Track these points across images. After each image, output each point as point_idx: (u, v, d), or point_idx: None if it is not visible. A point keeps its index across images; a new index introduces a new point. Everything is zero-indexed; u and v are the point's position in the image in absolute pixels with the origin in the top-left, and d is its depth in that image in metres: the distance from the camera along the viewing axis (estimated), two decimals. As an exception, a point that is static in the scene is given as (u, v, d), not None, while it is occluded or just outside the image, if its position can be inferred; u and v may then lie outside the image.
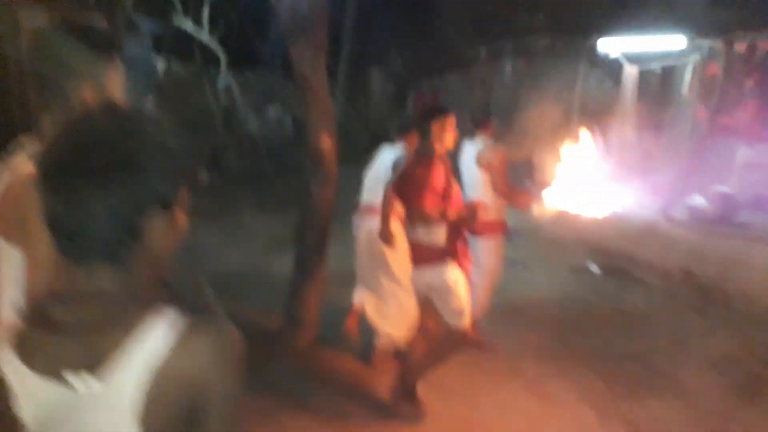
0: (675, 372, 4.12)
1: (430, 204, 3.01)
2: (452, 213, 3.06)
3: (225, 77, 11.35)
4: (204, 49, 11.60)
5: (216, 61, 11.94)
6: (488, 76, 10.42)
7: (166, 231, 0.90)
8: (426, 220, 3.01)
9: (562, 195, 3.68)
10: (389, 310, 3.62)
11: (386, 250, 3.47)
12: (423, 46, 12.93)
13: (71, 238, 0.84)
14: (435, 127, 3.07)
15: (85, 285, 0.86)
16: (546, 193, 3.70)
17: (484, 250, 4.04)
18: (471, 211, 3.14)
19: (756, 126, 6.74)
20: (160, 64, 11.40)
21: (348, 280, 4.02)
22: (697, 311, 5.23)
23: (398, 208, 3.23)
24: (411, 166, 3.10)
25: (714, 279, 5.52)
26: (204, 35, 11.51)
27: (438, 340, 3.35)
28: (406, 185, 3.08)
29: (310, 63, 3.45)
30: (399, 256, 3.43)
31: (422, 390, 3.52)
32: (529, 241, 6.90)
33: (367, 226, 3.58)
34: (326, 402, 3.52)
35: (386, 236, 3.33)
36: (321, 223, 3.77)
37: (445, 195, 3.09)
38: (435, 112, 3.18)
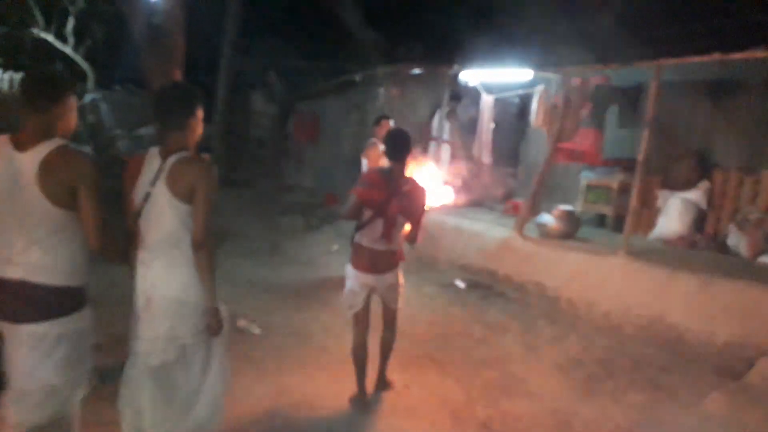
0: (527, 375, 4.42)
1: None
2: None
3: (92, 94, 10.75)
4: (69, 63, 10.96)
5: (81, 77, 11.30)
6: (363, 101, 10.73)
7: None
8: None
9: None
10: None
11: None
12: (302, 69, 13.10)
13: None
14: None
15: None
16: None
17: None
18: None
19: (592, 150, 7.51)
20: (17, 76, 10.59)
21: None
22: (548, 319, 5.69)
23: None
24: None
25: (561, 290, 6.03)
26: (68, 49, 10.88)
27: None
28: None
29: (162, 77, 3.41)
30: None
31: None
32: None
33: None
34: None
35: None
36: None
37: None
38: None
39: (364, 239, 3.53)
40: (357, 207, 3.46)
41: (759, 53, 5.02)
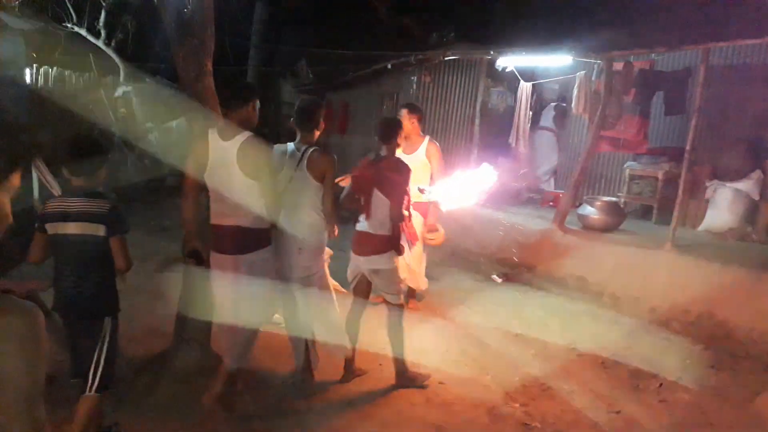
0: (567, 374, 4.27)
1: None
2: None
3: (124, 87, 10.84)
4: (101, 57, 11.07)
5: (114, 70, 11.40)
6: (395, 89, 10.57)
7: None
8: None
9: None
10: None
11: None
12: (332, 58, 12.97)
13: None
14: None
15: None
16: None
17: None
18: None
19: (636, 139, 7.24)
20: (52, 71, 10.75)
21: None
22: (590, 315, 5.49)
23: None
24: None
25: (604, 284, 5.81)
26: (100, 42, 10.98)
27: None
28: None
29: (193, 69, 3.33)
30: None
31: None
32: (435, 253, 7.01)
33: None
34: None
35: None
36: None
37: None
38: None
39: (358, 222, 3.73)
40: (350, 192, 3.71)
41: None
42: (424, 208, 4.87)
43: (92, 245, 2.66)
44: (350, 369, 3.88)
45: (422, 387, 3.87)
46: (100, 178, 2.76)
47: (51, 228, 2.65)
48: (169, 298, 3.97)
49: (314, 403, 3.59)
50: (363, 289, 3.91)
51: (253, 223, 3.15)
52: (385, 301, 3.85)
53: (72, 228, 2.64)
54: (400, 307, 3.83)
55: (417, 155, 4.96)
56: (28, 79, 9.89)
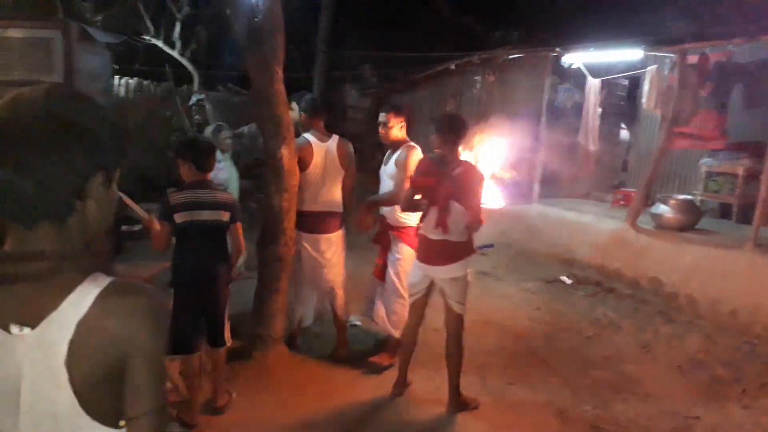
0: (641, 377, 4.16)
1: None
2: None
3: (197, 95, 11.31)
4: (176, 67, 11.60)
5: (188, 79, 11.93)
6: (459, 89, 10.52)
7: (104, 199, 0.99)
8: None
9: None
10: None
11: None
12: (395, 61, 13.04)
13: (16, 200, 0.90)
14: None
15: (28, 245, 0.93)
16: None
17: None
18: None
19: (714, 134, 6.88)
20: (132, 82, 11.36)
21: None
22: (665, 317, 5.30)
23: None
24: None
25: (679, 285, 5.58)
26: (175, 53, 11.53)
27: None
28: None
29: (265, 75, 3.46)
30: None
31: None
32: (500, 254, 6.94)
33: None
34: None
35: None
36: (281, 233, 3.74)
37: None
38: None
39: (423, 227, 3.52)
40: (411, 196, 3.48)
41: None
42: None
43: (219, 229, 3.23)
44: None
45: (475, 408, 3.61)
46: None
47: (182, 216, 3.11)
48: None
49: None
50: (423, 303, 3.64)
51: (332, 207, 4.04)
52: (450, 311, 3.51)
53: (205, 215, 3.16)
54: (462, 318, 3.52)
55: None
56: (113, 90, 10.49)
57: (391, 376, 3.84)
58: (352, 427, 3.38)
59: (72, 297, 0.91)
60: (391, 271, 4.06)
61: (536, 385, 3.97)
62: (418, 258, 3.56)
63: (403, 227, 3.99)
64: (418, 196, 3.47)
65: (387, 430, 3.39)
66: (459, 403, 3.57)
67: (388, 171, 4.07)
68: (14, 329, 0.90)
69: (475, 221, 3.28)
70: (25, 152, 0.88)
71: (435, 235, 3.40)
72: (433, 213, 3.37)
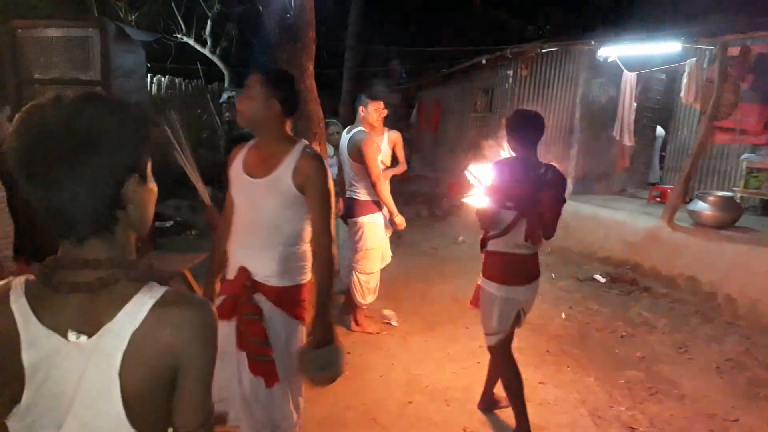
0: (677, 378, 4.07)
1: None
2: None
3: (228, 92, 11.47)
4: (207, 65, 11.77)
5: (218, 77, 12.09)
6: (490, 84, 10.41)
7: (144, 195, 1.00)
8: None
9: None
10: None
11: None
12: (425, 56, 12.98)
13: (59, 219, 0.91)
14: None
15: (81, 255, 0.94)
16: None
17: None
18: None
19: (756, 129, 6.66)
20: (164, 80, 11.57)
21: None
22: (702, 317, 5.16)
23: None
24: None
25: (718, 284, 5.43)
26: (206, 51, 11.69)
27: None
28: None
29: (297, 71, 3.47)
30: None
31: (423, 398, 3.53)
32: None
33: None
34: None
35: None
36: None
37: None
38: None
39: (503, 244, 3.01)
40: (498, 209, 2.97)
41: None
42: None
43: None
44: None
45: (506, 407, 3.42)
46: None
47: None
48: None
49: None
50: (512, 333, 3.19)
51: (361, 195, 4.32)
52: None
53: None
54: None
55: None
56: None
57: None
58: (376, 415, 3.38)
59: (128, 307, 0.92)
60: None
61: (569, 384, 3.91)
62: (503, 282, 3.03)
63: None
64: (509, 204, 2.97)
65: (411, 423, 3.37)
66: (492, 400, 3.54)
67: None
68: (71, 336, 0.91)
69: (553, 230, 2.96)
70: (53, 170, 0.88)
71: (525, 249, 3.00)
72: (521, 225, 2.95)
